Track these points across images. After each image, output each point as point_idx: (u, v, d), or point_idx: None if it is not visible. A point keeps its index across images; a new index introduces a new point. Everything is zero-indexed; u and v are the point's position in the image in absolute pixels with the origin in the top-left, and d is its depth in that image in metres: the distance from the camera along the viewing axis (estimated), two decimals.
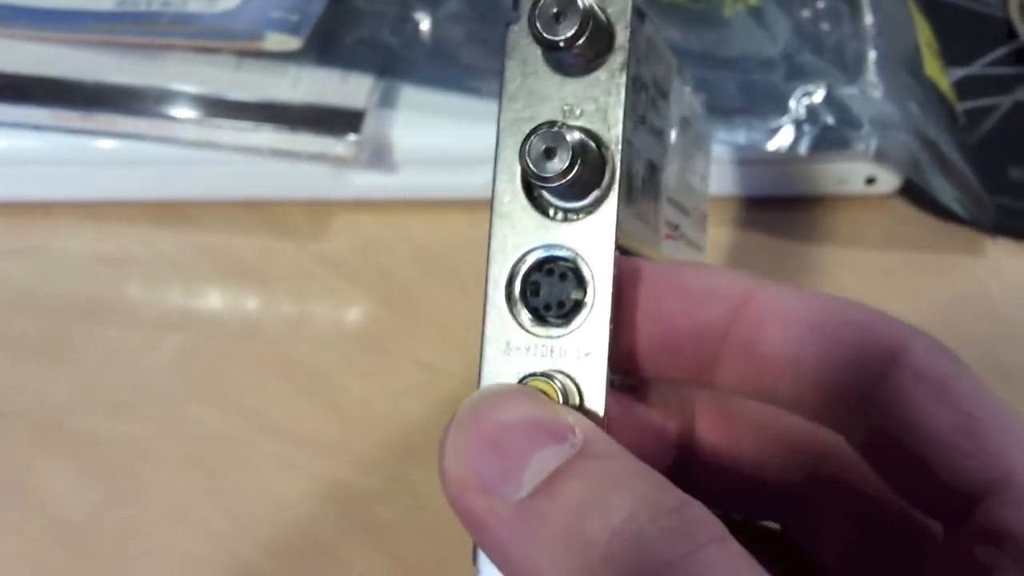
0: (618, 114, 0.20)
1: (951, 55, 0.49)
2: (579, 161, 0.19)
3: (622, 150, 0.20)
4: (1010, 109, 0.48)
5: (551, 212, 0.20)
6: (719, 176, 0.45)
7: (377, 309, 0.41)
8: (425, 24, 0.44)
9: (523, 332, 0.20)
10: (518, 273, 0.20)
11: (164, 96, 0.42)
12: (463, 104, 0.43)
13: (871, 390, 0.20)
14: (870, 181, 0.44)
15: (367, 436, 0.38)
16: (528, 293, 0.20)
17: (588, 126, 0.20)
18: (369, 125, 0.42)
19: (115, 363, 0.40)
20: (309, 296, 0.42)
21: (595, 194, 0.20)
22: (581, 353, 0.20)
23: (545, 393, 0.19)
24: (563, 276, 0.20)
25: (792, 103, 0.43)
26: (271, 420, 0.38)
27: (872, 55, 0.45)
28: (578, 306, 0.20)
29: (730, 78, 0.43)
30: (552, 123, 0.20)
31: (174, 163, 0.43)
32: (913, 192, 0.45)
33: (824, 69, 0.44)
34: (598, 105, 0.20)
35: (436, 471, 0.38)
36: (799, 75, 0.44)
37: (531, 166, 0.19)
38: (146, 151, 0.42)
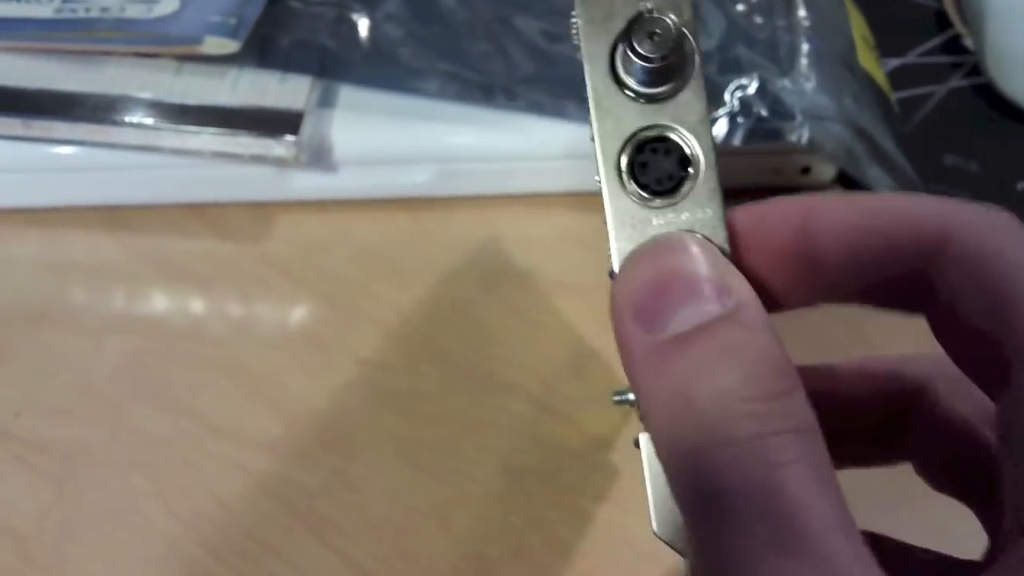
0: (689, 4, 0.22)
1: (886, 46, 0.50)
2: (673, 45, 0.21)
3: (695, 34, 0.22)
4: (944, 97, 0.49)
5: (641, 101, 0.22)
6: None
7: (319, 308, 0.42)
8: (363, 24, 0.44)
9: (640, 207, 0.22)
10: (623, 159, 0.22)
11: (105, 102, 0.42)
12: (402, 103, 0.43)
13: (921, 279, 0.21)
14: (805, 171, 0.45)
15: (309, 433, 0.38)
16: (638, 173, 0.22)
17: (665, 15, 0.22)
18: (308, 126, 0.42)
19: (59, 368, 0.40)
20: (252, 297, 0.42)
21: (678, 80, 0.22)
22: (698, 211, 0.22)
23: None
24: (667, 152, 0.22)
25: (726, 96, 0.43)
26: (215, 421, 0.38)
27: (805, 47, 0.45)
28: (684, 177, 0.22)
29: None
30: (643, 12, 0.22)
31: (116, 168, 0.43)
32: (849, 181, 0.45)
33: (757, 62, 0.44)
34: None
35: (378, 466, 0.38)
36: (733, 68, 0.44)
37: (636, 47, 0.21)
38: (87, 157, 0.43)
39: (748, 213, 0.23)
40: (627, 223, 0.22)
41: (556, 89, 0.43)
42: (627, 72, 0.22)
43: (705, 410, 0.18)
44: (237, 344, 0.41)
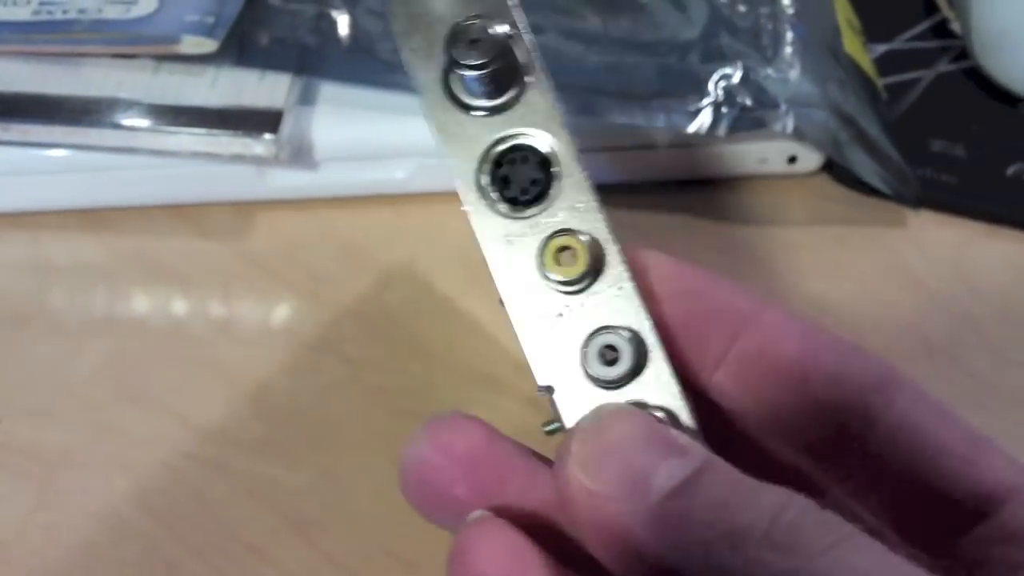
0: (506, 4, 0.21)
1: (872, 31, 0.50)
2: (499, 49, 0.21)
3: (525, 30, 0.21)
4: (932, 82, 0.49)
5: (486, 115, 0.22)
6: (641, 161, 0.45)
7: (302, 306, 0.41)
8: (343, 20, 0.44)
9: (514, 221, 0.21)
10: (483, 178, 0.21)
11: (82, 104, 0.42)
12: (382, 99, 0.43)
13: (868, 415, 0.21)
14: (792, 160, 0.45)
15: (292, 432, 0.38)
16: (501, 188, 0.21)
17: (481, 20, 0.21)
18: (288, 124, 0.42)
19: (40, 371, 0.40)
20: (234, 296, 0.42)
21: (516, 85, 0.21)
22: (573, 207, 0.21)
23: (571, 248, 0.21)
24: (524, 159, 0.21)
25: (710, 86, 0.43)
26: (197, 421, 0.38)
27: (789, 35, 0.45)
28: (550, 177, 0.21)
29: (648, 63, 0.44)
30: (457, 24, 0.21)
31: (95, 170, 0.43)
32: (836, 169, 0.45)
33: (741, 51, 0.44)
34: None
35: (363, 464, 0.38)
36: (717, 58, 0.44)
37: (461, 60, 0.21)
38: (66, 160, 0.42)
39: (664, 270, 0.22)
40: (503, 241, 0.21)
41: None
42: (465, 91, 0.21)
43: (774, 532, 0.18)
44: (219, 343, 0.40)
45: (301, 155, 0.42)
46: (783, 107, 0.42)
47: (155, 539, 0.36)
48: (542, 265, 0.21)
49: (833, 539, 0.17)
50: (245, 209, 0.44)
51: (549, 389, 0.21)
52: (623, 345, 0.21)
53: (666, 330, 0.22)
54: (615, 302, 0.21)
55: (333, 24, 0.44)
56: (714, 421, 0.22)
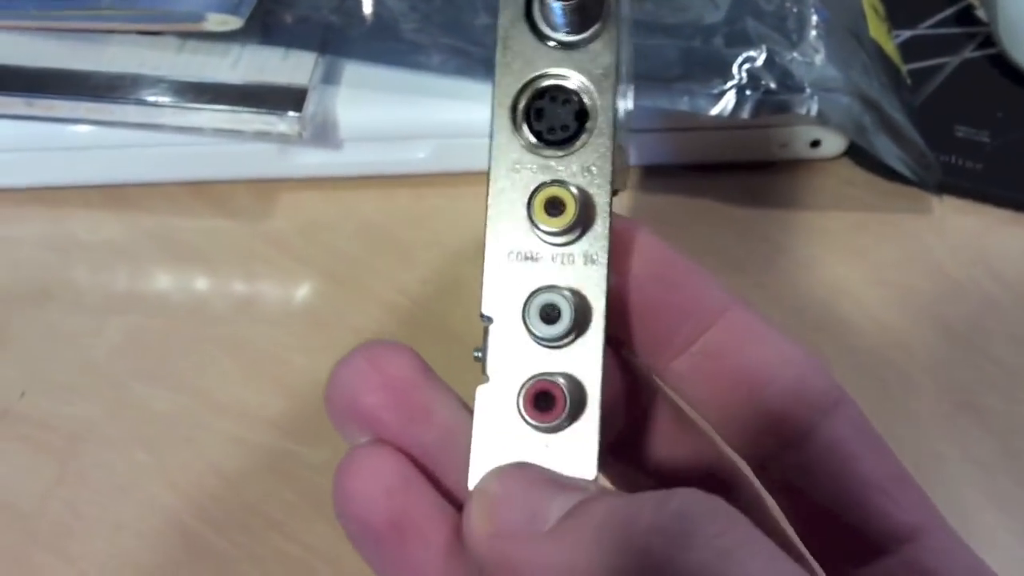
0: None
1: (898, 17, 0.50)
2: None
3: None
4: (956, 69, 0.48)
5: (550, 43, 0.21)
6: (664, 144, 0.45)
7: (322, 286, 0.42)
8: (367, 0, 0.44)
9: (529, 153, 0.21)
10: (522, 100, 0.21)
11: (107, 80, 0.42)
12: (406, 79, 0.43)
13: (809, 432, 0.22)
14: (815, 144, 0.45)
15: (313, 410, 0.38)
16: (533, 118, 0.21)
17: None
18: (312, 102, 0.42)
19: (61, 347, 0.40)
20: (254, 275, 0.42)
21: (594, 28, 0.21)
22: (585, 169, 0.21)
23: (561, 199, 0.21)
24: (565, 102, 0.21)
25: (734, 69, 0.43)
26: (217, 398, 0.38)
27: (814, 19, 0.45)
28: (580, 130, 0.21)
29: (672, 45, 0.43)
30: None
31: (118, 147, 0.43)
32: (859, 154, 0.45)
33: (766, 34, 0.44)
34: None
35: None
36: (741, 41, 0.44)
37: None
38: (90, 136, 0.43)
39: (649, 251, 0.22)
40: (510, 165, 0.21)
41: None
42: (545, 19, 0.21)
43: (662, 524, 0.18)
44: (240, 322, 0.40)
45: (324, 134, 0.42)
46: (808, 91, 0.42)
47: (176, 514, 0.36)
48: (532, 205, 0.21)
49: (721, 528, 0.17)
50: (267, 189, 0.44)
51: (488, 319, 0.21)
52: (567, 311, 0.21)
53: (626, 312, 0.22)
54: (584, 268, 0.21)
55: (357, 3, 0.44)
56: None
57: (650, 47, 0.43)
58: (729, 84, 0.42)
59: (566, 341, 0.21)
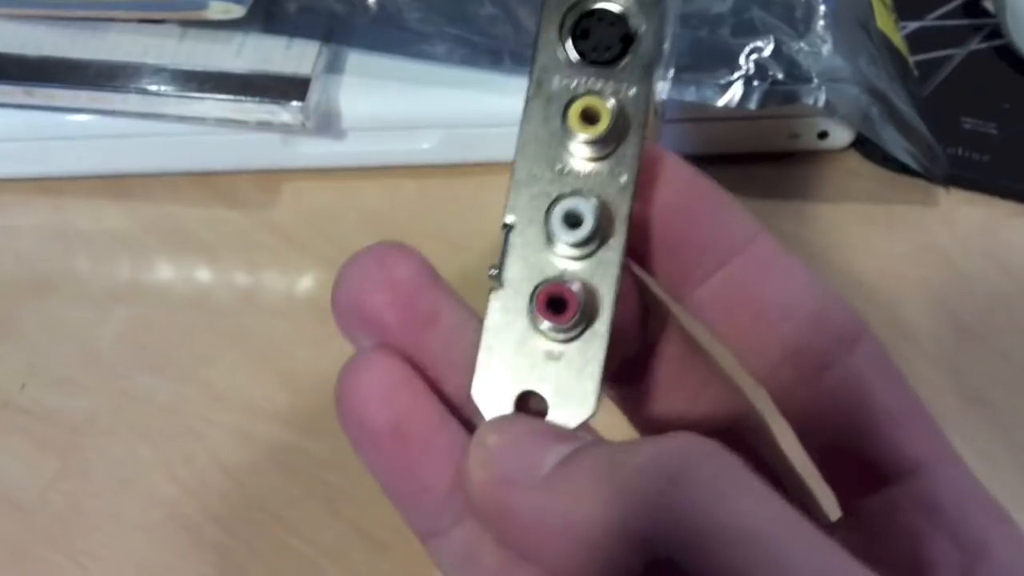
0: None
1: (904, 9, 0.49)
2: None
3: None
4: (963, 60, 0.48)
5: None
6: (670, 135, 0.44)
7: (326, 277, 0.41)
8: None
9: (569, 67, 0.22)
10: (569, 17, 0.22)
11: (108, 69, 0.42)
12: (410, 69, 0.43)
13: (829, 364, 0.22)
14: (822, 135, 0.44)
15: (316, 403, 0.38)
16: (578, 35, 0.22)
17: None
18: (315, 91, 0.41)
19: (64, 338, 0.40)
20: (258, 266, 0.42)
21: None
22: (623, 88, 0.21)
23: (594, 108, 0.21)
24: (612, 23, 0.22)
25: (742, 59, 0.42)
26: (221, 390, 0.38)
27: (822, 9, 0.44)
28: (623, 53, 0.21)
29: (679, 36, 0.43)
30: None
31: (120, 136, 0.42)
32: (866, 146, 0.45)
33: (773, 24, 0.43)
34: None
35: None
36: (748, 31, 0.43)
37: None
38: (91, 125, 0.42)
39: (675, 180, 0.22)
40: (550, 80, 0.21)
41: None
42: None
43: (652, 460, 0.18)
44: (243, 313, 0.40)
45: (328, 124, 0.42)
46: (815, 81, 0.42)
47: (179, 508, 0.35)
48: (567, 114, 0.21)
49: (714, 469, 0.18)
50: (270, 179, 0.44)
51: (509, 227, 0.21)
52: (590, 217, 0.21)
53: (649, 240, 0.22)
54: (610, 181, 0.21)
55: None
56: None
57: None
58: (736, 75, 0.42)
59: (586, 251, 0.21)
